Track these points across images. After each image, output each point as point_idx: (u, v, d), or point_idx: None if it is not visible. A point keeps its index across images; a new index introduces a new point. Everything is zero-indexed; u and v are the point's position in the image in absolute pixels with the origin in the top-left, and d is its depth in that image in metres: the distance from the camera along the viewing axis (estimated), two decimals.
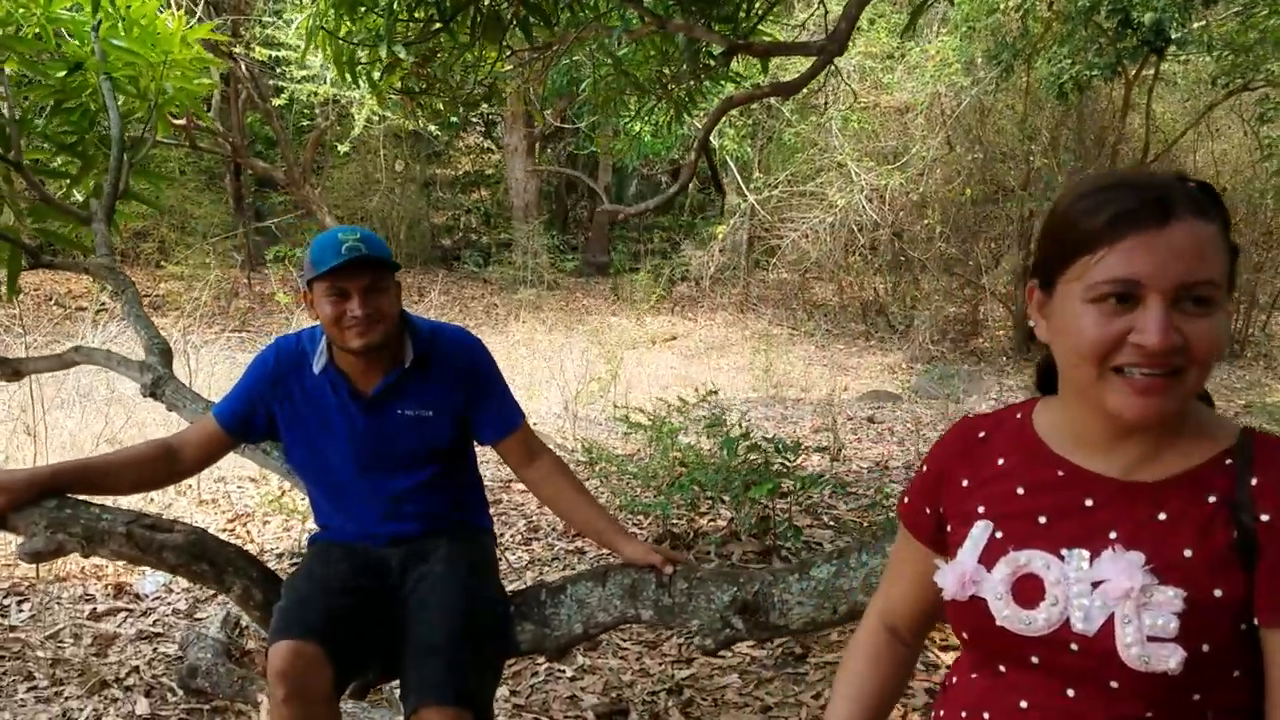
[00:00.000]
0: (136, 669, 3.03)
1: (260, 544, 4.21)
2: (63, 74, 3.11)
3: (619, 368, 8.03)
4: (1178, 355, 0.87)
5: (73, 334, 8.16)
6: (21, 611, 3.42)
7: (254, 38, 11.86)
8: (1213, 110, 9.58)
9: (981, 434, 1.07)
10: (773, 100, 11.27)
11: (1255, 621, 0.87)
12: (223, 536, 4.21)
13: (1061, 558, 0.94)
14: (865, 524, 4.18)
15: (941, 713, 1.07)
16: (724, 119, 11.14)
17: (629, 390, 7.67)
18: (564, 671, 3.00)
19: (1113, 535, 0.92)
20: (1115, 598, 0.89)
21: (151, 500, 4.67)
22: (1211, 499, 0.90)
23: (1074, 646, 0.91)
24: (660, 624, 1.94)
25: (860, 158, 10.75)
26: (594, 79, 4.87)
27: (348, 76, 3.09)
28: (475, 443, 2.12)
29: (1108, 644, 0.89)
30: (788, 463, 4.10)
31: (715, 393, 5.16)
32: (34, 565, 1.86)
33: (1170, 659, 0.86)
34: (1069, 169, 9.81)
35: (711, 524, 4.26)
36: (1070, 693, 0.93)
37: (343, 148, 13.19)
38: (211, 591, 3.58)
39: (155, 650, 3.16)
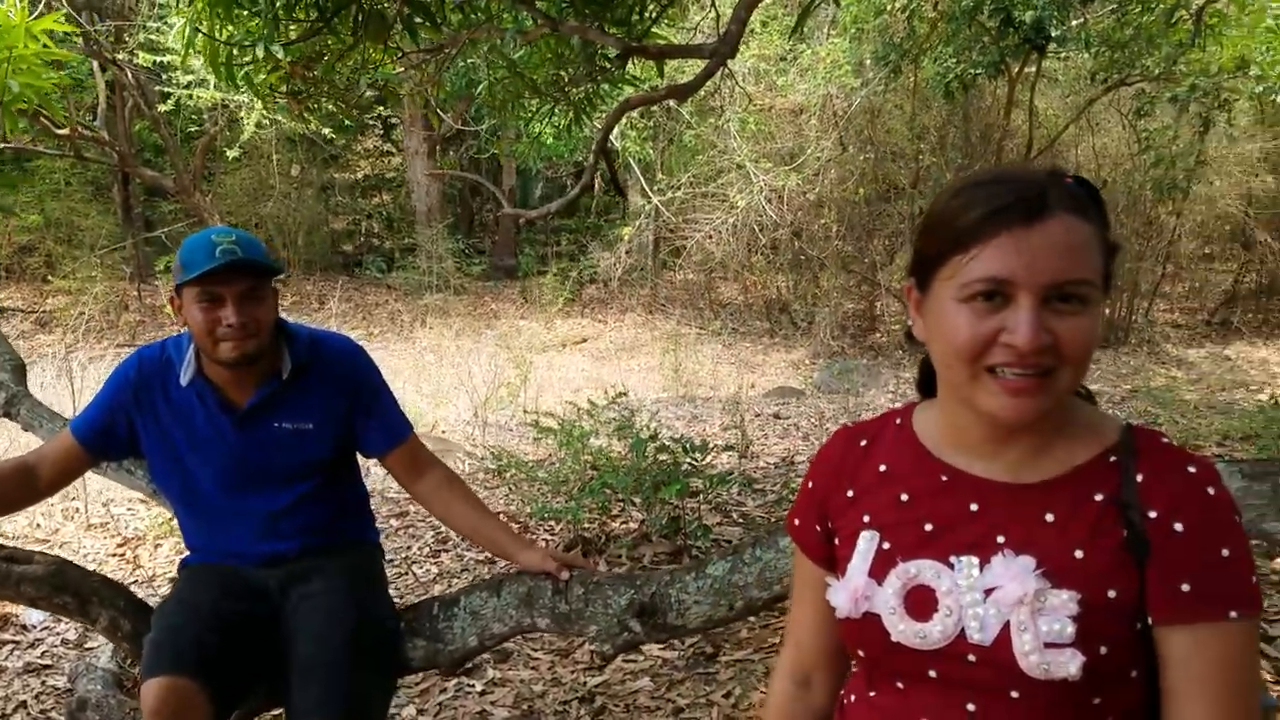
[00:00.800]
0: (24, 704, 2.88)
1: (151, 569, 4.04)
2: None
3: (529, 372, 7.97)
4: (1048, 355, 0.85)
5: None
6: None
7: (138, 44, 11.40)
8: (1092, 105, 9.98)
9: (863, 442, 1.05)
10: (672, 102, 11.33)
11: (1149, 621, 0.86)
12: (112, 562, 4.03)
13: (951, 566, 0.91)
14: (773, 519, 4.23)
15: None
16: (625, 121, 11.17)
17: (539, 394, 7.61)
18: (474, 686, 2.96)
19: (1001, 540, 0.90)
20: (1009, 605, 0.87)
21: (38, 526, 4.45)
22: (1099, 497, 0.89)
23: (971, 658, 0.89)
24: (557, 631, 1.92)
25: (758, 159, 10.89)
26: (490, 81, 4.81)
27: (225, 79, 2.98)
28: (360, 455, 2.03)
29: (1005, 653, 0.87)
30: (695, 462, 4.12)
31: (625, 394, 5.15)
32: None
33: (1069, 665, 0.84)
34: (956, 166, 10.11)
35: (623, 526, 4.25)
36: (971, 706, 0.90)
37: (232, 153, 12.79)
38: None
39: (43, 683, 3.01)
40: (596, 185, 13.99)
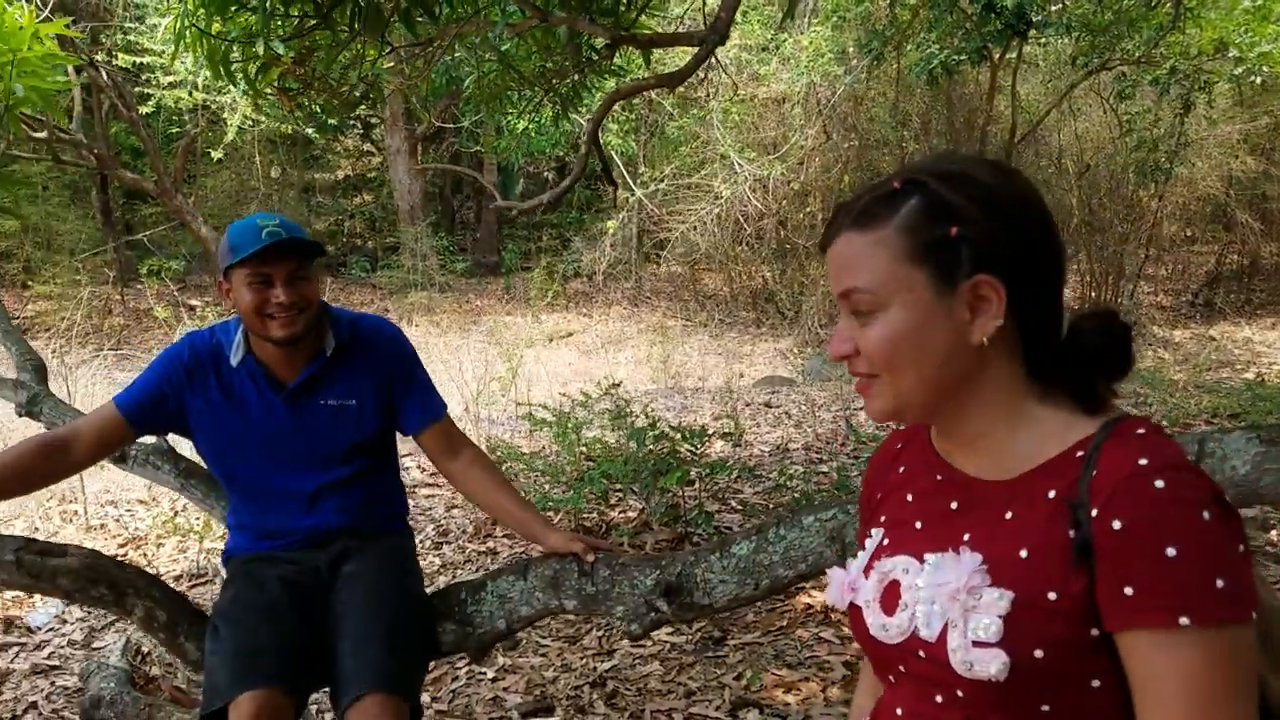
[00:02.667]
0: (34, 704, 2.87)
1: (156, 568, 4.03)
2: None
3: (518, 366, 7.97)
4: (861, 362, 0.90)
5: None
6: None
7: (116, 45, 11.31)
8: (1074, 90, 10.06)
9: (899, 445, 1.06)
10: (654, 94, 11.35)
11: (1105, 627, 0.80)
12: None
13: (923, 562, 0.91)
14: (770, 505, 4.26)
15: None
16: (607, 114, 11.17)
17: (530, 388, 7.61)
18: (485, 673, 2.97)
19: (966, 538, 0.89)
20: (946, 601, 0.85)
21: (36, 530, 4.43)
22: (1051, 495, 0.85)
23: (921, 654, 0.88)
24: (584, 612, 1.94)
25: (742, 149, 10.92)
26: (477, 74, 4.82)
27: (223, 77, 2.97)
28: (399, 433, 2.07)
29: (943, 650, 0.85)
30: (694, 449, 4.14)
31: (618, 385, 5.17)
32: None
33: (991, 665, 0.81)
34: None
35: (622, 515, 4.27)
36: (938, 699, 0.89)
37: (215, 154, 12.71)
38: (109, 620, 3.42)
39: (53, 684, 3.00)
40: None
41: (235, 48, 2.88)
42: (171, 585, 3.70)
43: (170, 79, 11.00)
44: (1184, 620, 0.76)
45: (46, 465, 1.84)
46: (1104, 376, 0.90)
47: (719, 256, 12.22)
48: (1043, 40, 8.90)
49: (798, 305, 11.43)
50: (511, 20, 4.05)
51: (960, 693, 0.85)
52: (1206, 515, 0.77)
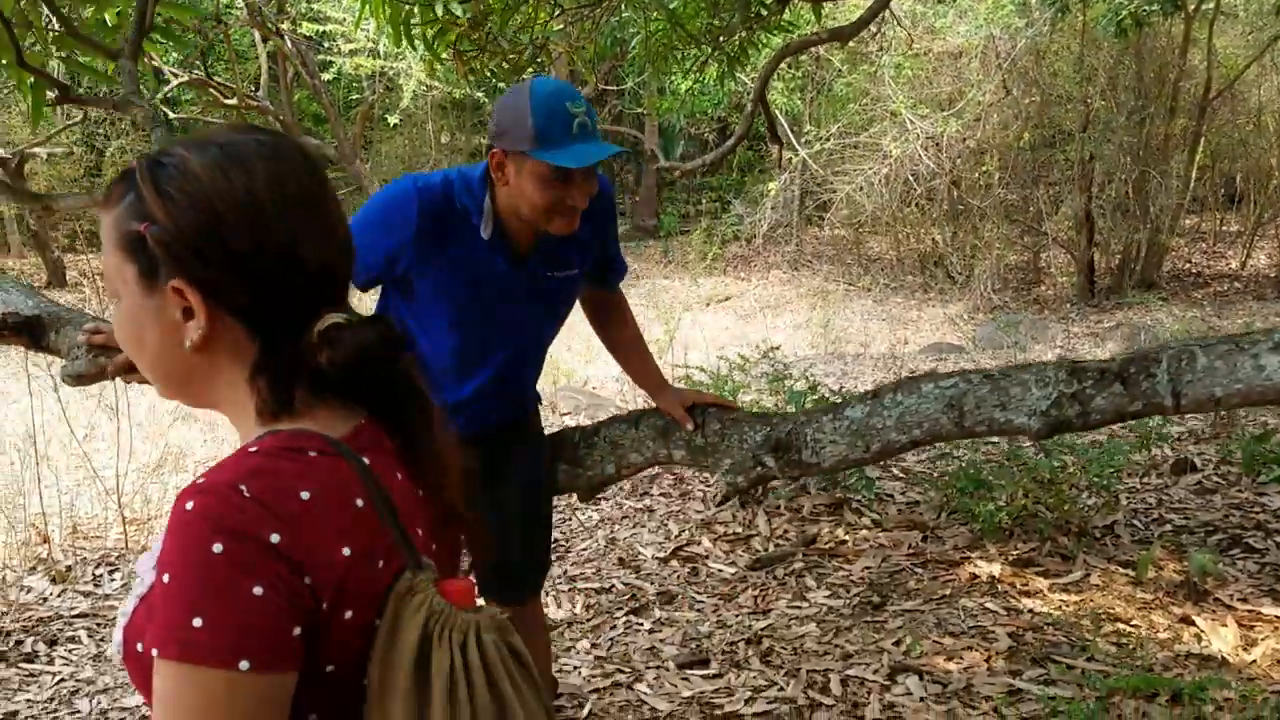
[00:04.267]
0: None
1: None
2: None
3: (675, 330, 8.01)
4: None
5: None
6: (114, 581, 3.53)
7: (300, 14, 11.92)
8: (1277, 42, 9.20)
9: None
10: (823, 50, 11.06)
11: None
12: None
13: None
14: (935, 474, 4.14)
15: None
16: (775, 71, 10.97)
17: (687, 351, 7.65)
18: (642, 624, 3.03)
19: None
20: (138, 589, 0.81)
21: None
22: None
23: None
24: (692, 463, 2.00)
25: (914, 105, 10.52)
26: (644, 34, 4.81)
27: (404, 40, 3.09)
28: (590, 290, 2.04)
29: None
30: None
31: (777, 348, 5.12)
32: (76, 387, 1.93)
33: (116, 657, 0.79)
34: (1129, 109, 9.50)
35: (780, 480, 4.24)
36: None
37: (392, 119, 13.25)
38: None
39: None
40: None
41: (415, 11, 2.98)
42: None
43: (350, 46, 11.51)
44: (155, 651, 0.70)
45: None
46: (323, 386, 0.82)
47: (885, 218, 11.87)
48: None
49: (969, 269, 10.98)
50: None
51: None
52: (217, 548, 0.70)
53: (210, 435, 5.21)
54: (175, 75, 8.56)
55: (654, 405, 2.07)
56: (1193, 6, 8.38)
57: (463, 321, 1.82)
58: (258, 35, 11.73)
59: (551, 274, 1.84)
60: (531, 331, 1.93)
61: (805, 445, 1.83)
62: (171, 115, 8.85)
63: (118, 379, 1.87)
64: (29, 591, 3.39)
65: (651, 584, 3.32)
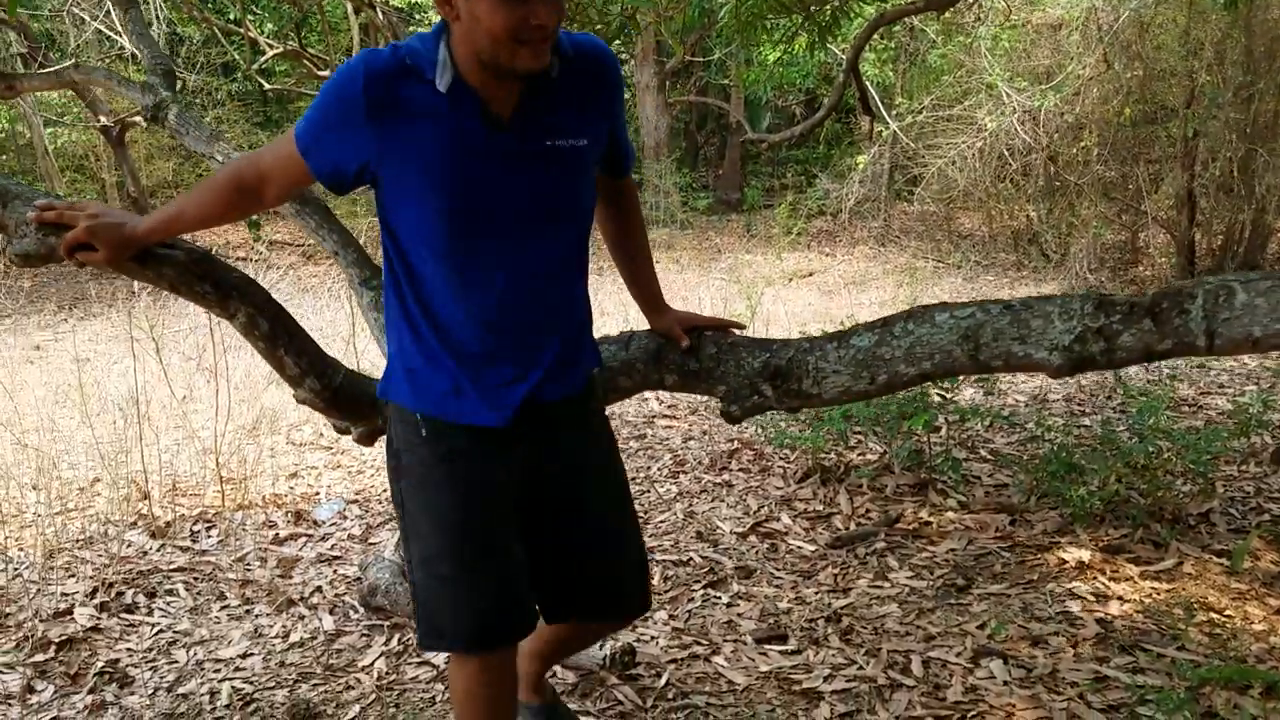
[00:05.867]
0: (319, 589, 3.22)
1: None
2: None
3: (757, 305, 7.94)
4: None
5: None
6: (210, 538, 3.68)
7: None
8: None
9: None
10: (918, 20, 10.77)
11: None
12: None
13: None
14: (1025, 457, 4.03)
15: None
16: (868, 41, 10.72)
17: (769, 327, 7.58)
18: (720, 598, 3.03)
19: None
20: None
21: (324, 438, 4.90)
22: None
23: None
24: (685, 389, 1.90)
25: (1011, 78, 10.17)
26: (734, 3, 4.74)
27: None
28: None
29: None
30: (943, 394, 3.98)
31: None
32: (25, 268, 1.80)
33: None
34: (1237, 85, 9.02)
35: (862, 458, 4.19)
36: None
37: None
38: (387, 517, 3.76)
39: (335, 572, 3.35)
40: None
41: None
42: None
43: (439, 17, 11.61)
44: None
45: (240, 207, 1.69)
46: None
47: (978, 194, 11.53)
48: None
49: (1065, 247, 10.61)
50: None
51: None
52: None
53: None
54: (271, 46, 8.73)
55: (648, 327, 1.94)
56: None
57: (453, 224, 1.50)
58: (350, 7, 11.91)
59: (551, 142, 1.52)
60: (546, 231, 1.57)
61: (806, 374, 1.74)
62: (266, 86, 9.03)
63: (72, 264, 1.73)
64: (129, 545, 3.55)
65: (730, 559, 3.32)
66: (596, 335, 1.81)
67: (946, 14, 8.86)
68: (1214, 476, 3.59)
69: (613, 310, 7.35)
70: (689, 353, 1.85)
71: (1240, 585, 2.86)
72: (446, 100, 1.45)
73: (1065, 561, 3.09)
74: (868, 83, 11.77)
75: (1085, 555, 3.11)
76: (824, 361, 1.74)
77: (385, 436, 1.78)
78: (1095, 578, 2.98)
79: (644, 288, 1.92)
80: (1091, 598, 2.85)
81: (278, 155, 1.59)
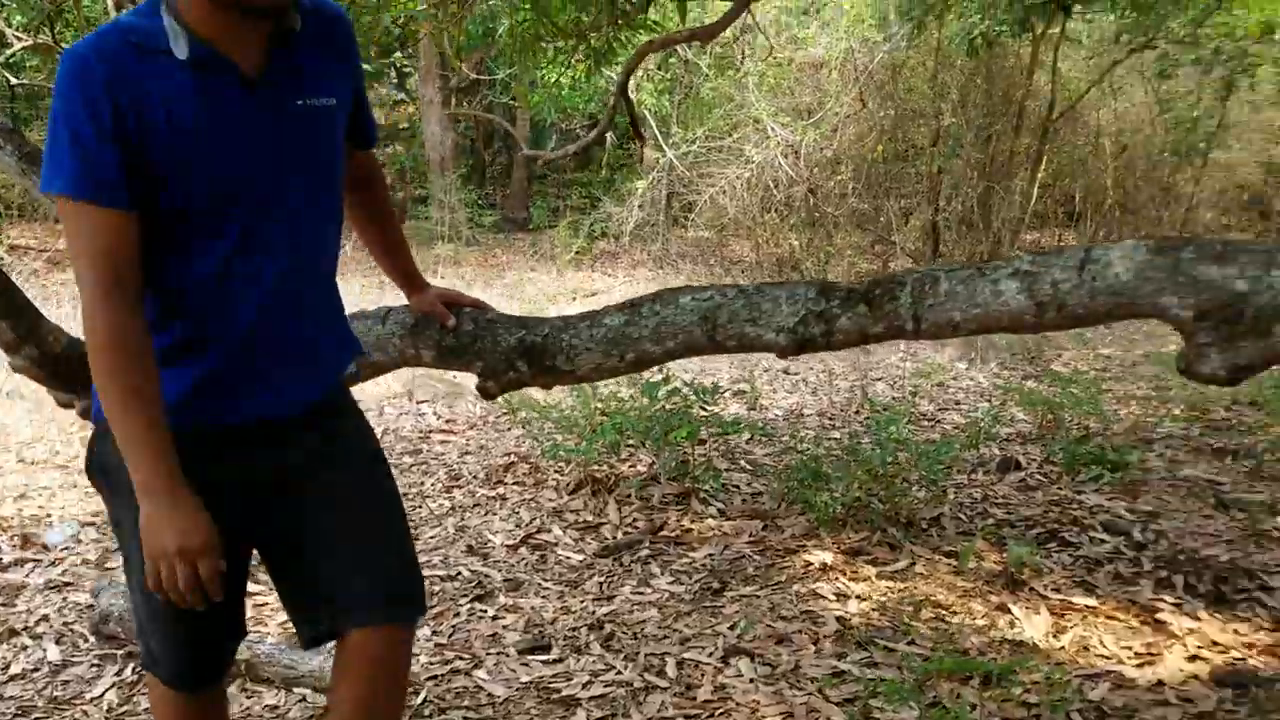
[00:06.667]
0: (46, 617, 2.96)
1: None
2: None
3: None
4: None
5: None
6: None
7: None
8: (1116, 67, 9.86)
9: None
10: (691, 55, 11.25)
11: None
12: None
13: None
14: (781, 466, 4.29)
15: None
16: (641, 73, 11.09)
17: None
18: (486, 611, 3.03)
19: None
20: None
21: None
22: None
23: None
24: (442, 365, 1.93)
25: (776, 113, 10.82)
26: (511, 24, 4.81)
27: None
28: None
29: None
30: (706, 407, 4.17)
31: None
32: None
33: None
34: (977, 126, 10.03)
35: (632, 469, 4.31)
36: None
37: None
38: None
39: (65, 599, 3.09)
40: (609, 140, 13.93)
41: None
42: None
43: None
44: None
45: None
46: None
47: (747, 222, 12.15)
48: (1087, 16, 8.74)
49: (823, 274, 11.38)
50: None
51: None
52: None
53: (37, 414, 4.91)
54: (19, 39, 7.96)
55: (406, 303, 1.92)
56: (1040, 30, 8.90)
57: (211, 204, 1.36)
58: (110, 1, 11.08)
59: (304, 101, 1.40)
60: (298, 201, 1.43)
61: (561, 351, 1.81)
62: (14, 80, 8.21)
63: None
64: None
65: (499, 571, 3.33)
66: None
67: (717, 49, 9.31)
68: (946, 484, 3.94)
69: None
70: (446, 329, 1.86)
71: (965, 583, 3.16)
72: (190, 67, 1.31)
73: (810, 563, 3.31)
74: (646, 111, 12.18)
75: (828, 557, 3.34)
76: (577, 339, 1.81)
77: (88, 450, 1.54)
78: (837, 578, 3.21)
79: (398, 264, 1.87)
80: (833, 597, 3.07)
81: (91, 238, 1.30)
